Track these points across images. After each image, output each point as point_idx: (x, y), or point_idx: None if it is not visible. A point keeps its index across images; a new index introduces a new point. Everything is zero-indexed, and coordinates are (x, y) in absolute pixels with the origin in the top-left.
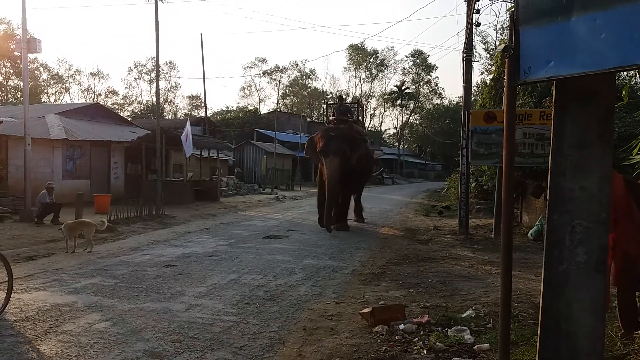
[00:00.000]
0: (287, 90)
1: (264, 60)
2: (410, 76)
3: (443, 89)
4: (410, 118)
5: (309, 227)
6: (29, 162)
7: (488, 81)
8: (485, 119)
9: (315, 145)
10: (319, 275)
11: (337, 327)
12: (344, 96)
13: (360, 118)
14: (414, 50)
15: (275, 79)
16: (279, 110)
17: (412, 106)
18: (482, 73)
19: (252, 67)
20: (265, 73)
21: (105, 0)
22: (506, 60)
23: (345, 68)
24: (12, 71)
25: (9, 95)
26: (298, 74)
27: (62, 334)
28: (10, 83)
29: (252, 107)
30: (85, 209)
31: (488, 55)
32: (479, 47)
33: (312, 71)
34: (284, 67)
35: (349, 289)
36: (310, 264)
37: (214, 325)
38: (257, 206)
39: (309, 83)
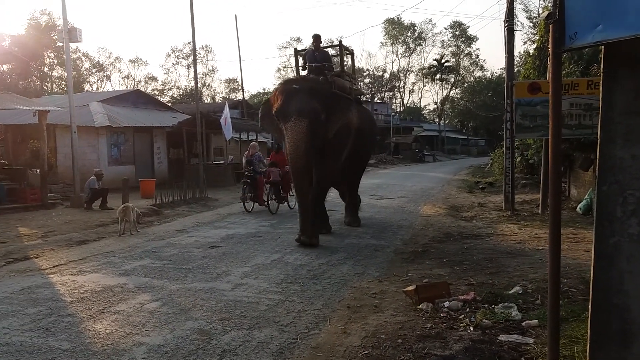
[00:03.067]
0: None
1: (298, 40)
2: (450, 49)
3: (484, 60)
4: (451, 92)
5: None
6: (75, 149)
7: (531, 51)
8: (529, 90)
9: (271, 107)
10: (360, 254)
11: (381, 305)
12: (321, 38)
13: (348, 68)
14: (453, 22)
15: None
16: None
17: (452, 80)
18: (524, 43)
19: (287, 47)
20: (300, 52)
21: None
22: (550, 26)
23: (382, 43)
24: (55, 62)
25: (54, 85)
26: (333, 51)
27: (115, 313)
28: (54, 73)
29: None
30: (131, 194)
31: (531, 24)
32: (520, 16)
33: (347, 48)
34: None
35: (392, 268)
36: (352, 243)
37: (260, 303)
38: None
39: (345, 61)
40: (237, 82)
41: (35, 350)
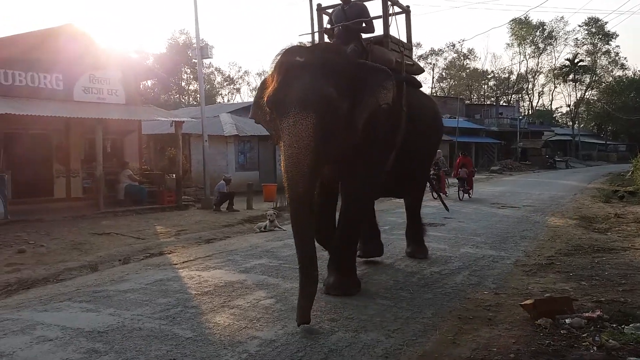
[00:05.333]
0: (443, 74)
1: (418, 45)
2: (585, 47)
3: (625, 58)
4: (586, 94)
5: (467, 215)
6: (207, 156)
7: None
8: None
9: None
10: (477, 264)
11: (495, 317)
12: None
13: (395, 34)
14: (589, 19)
15: (430, 63)
16: (434, 94)
17: (587, 80)
18: None
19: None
20: (420, 58)
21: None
22: None
23: (508, 44)
24: (191, 76)
25: (190, 98)
26: (455, 55)
27: (234, 307)
28: (190, 87)
29: None
30: (255, 198)
31: None
32: None
33: (470, 51)
34: (440, 50)
35: (510, 280)
36: (468, 252)
37: (368, 307)
38: None
39: (467, 64)
40: None
41: (162, 336)
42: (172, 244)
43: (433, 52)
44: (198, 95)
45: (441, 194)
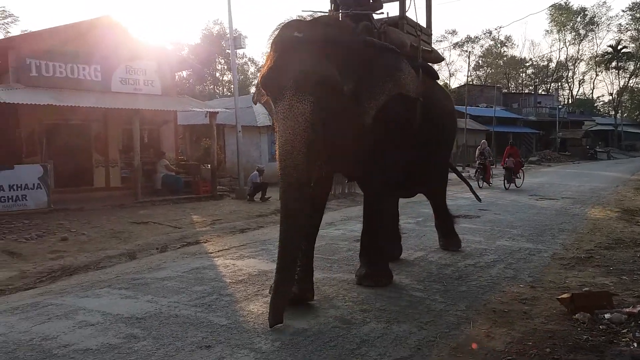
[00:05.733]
0: (479, 62)
1: (453, 32)
2: (629, 33)
3: None
4: (630, 82)
5: (504, 207)
6: (241, 147)
7: None
8: None
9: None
10: (513, 257)
11: (531, 311)
12: None
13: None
14: (633, 3)
15: (466, 51)
16: (470, 83)
17: (631, 68)
18: None
19: (441, 41)
20: (455, 45)
21: None
22: None
23: (547, 31)
24: (225, 67)
25: (224, 89)
26: (492, 42)
27: (267, 296)
28: (224, 78)
29: (441, 83)
30: None
31: None
32: None
33: (507, 38)
34: (476, 37)
35: (548, 273)
36: (504, 245)
37: (401, 299)
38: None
39: (504, 51)
40: None
41: (198, 323)
42: (207, 233)
43: (469, 40)
44: (232, 86)
45: (482, 182)
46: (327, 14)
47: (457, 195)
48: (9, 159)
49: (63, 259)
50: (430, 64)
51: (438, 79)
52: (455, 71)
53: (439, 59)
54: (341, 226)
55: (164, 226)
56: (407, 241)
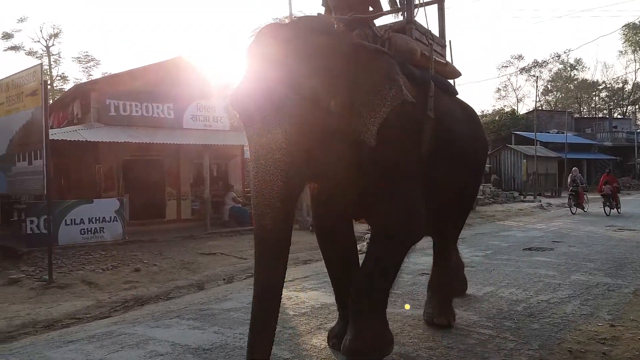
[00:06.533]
0: (548, 86)
1: (520, 57)
2: None
3: None
4: None
5: (578, 239)
6: None
7: None
8: None
9: None
10: (589, 293)
11: (611, 352)
12: None
13: (419, 20)
14: None
15: (533, 75)
16: (539, 108)
17: None
18: None
19: (507, 66)
20: (522, 70)
21: None
22: None
23: (621, 52)
24: None
25: None
26: (561, 66)
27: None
28: None
29: (508, 109)
30: None
31: None
32: None
33: (577, 61)
34: (544, 61)
35: (629, 311)
36: (580, 280)
37: (469, 337)
38: (516, 215)
39: (574, 75)
40: None
41: None
42: None
43: (536, 64)
44: None
45: (575, 208)
46: (311, 15)
47: (528, 227)
48: (89, 193)
49: (136, 289)
50: (446, 78)
51: (456, 94)
52: (523, 97)
53: (456, 73)
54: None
55: (230, 257)
56: (475, 275)
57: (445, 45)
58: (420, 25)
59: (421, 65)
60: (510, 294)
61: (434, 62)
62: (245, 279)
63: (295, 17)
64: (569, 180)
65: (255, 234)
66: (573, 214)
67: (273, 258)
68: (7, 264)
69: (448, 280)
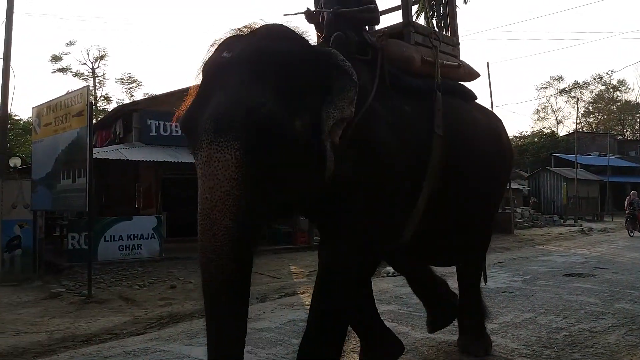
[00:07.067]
0: (590, 107)
1: (560, 79)
2: None
3: None
4: None
5: (622, 265)
6: None
7: None
8: None
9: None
10: (634, 322)
11: None
12: None
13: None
14: None
15: (574, 97)
16: (580, 130)
17: None
18: None
19: (546, 88)
20: (562, 91)
21: None
22: None
23: None
24: None
25: None
26: (603, 87)
27: None
28: None
29: (548, 131)
30: None
31: None
32: None
33: (620, 82)
34: (585, 82)
35: None
36: (624, 308)
37: None
38: (556, 239)
39: (617, 96)
40: None
41: None
42: (304, 284)
43: (577, 85)
44: None
45: (633, 231)
46: (273, 23)
47: (569, 251)
48: (128, 211)
49: (171, 306)
50: (459, 82)
51: (474, 99)
52: (563, 118)
53: (473, 74)
54: None
55: (263, 276)
56: (513, 301)
57: (457, 44)
58: (421, 26)
59: (424, 73)
60: (550, 321)
61: (443, 66)
62: (278, 298)
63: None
64: (625, 203)
65: (202, 281)
66: (631, 236)
67: (225, 317)
68: (49, 277)
69: (478, 306)
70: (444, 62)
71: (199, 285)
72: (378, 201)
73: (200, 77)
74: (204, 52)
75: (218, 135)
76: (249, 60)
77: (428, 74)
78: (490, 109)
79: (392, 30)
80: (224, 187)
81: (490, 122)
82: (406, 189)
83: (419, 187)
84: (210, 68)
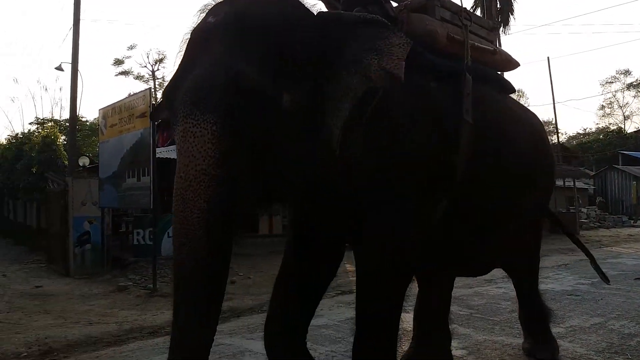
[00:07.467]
0: None
1: (627, 73)
2: None
3: None
4: None
5: None
6: None
7: None
8: None
9: None
10: None
11: None
12: None
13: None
14: None
15: None
16: None
17: None
18: None
19: (612, 82)
20: (629, 86)
21: None
22: None
23: None
24: None
25: None
26: None
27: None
28: None
29: (614, 127)
30: None
31: None
32: None
33: None
34: None
35: None
36: None
37: None
38: (626, 241)
39: None
40: (551, 124)
41: None
42: None
43: None
44: None
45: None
46: None
47: None
48: None
49: (231, 301)
50: (494, 70)
51: (511, 91)
52: (631, 114)
53: (512, 63)
54: (502, 284)
55: None
56: (580, 305)
57: (496, 28)
58: (450, 2)
59: (451, 52)
60: (622, 326)
61: (474, 48)
62: (334, 296)
63: None
64: None
65: (173, 269)
66: None
67: (194, 308)
68: (116, 272)
69: (541, 309)
70: (475, 44)
71: (257, 281)
72: (405, 189)
73: (185, 43)
74: (193, 18)
75: (194, 108)
76: (234, 25)
77: (456, 54)
78: (552, 105)
79: (415, 4)
80: (200, 165)
81: (530, 120)
82: (433, 177)
83: (444, 178)
84: (194, 34)
